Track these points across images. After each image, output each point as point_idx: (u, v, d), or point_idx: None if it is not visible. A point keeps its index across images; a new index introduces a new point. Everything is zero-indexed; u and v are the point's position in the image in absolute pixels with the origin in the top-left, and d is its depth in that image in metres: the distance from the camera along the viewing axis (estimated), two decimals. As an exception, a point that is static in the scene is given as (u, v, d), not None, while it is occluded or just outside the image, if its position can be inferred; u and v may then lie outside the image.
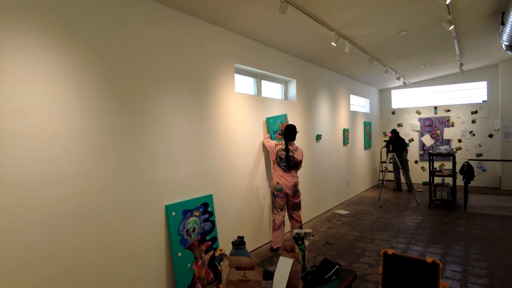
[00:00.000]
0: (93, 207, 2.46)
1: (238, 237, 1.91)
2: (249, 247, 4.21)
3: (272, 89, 5.22)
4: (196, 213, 3.30)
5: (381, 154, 9.49)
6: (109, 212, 2.57)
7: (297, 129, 4.20)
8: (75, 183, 2.35)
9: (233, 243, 1.85)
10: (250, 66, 4.29)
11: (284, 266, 1.77)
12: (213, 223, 3.47)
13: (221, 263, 1.80)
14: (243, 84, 4.57)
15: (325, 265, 2.08)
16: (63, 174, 2.28)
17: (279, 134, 4.69)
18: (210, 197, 3.51)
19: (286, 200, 4.23)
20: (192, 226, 3.22)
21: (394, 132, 8.16)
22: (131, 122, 2.75)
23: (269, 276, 1.86)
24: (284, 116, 4.87)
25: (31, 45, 2.13)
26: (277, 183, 4.11)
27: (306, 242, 2.24)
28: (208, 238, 3.38)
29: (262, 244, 4.47)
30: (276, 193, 4.15)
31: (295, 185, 4.16)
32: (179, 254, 3.03)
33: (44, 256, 2.16)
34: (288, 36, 4.32)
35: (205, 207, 3.43)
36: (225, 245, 3.68)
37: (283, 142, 4.15)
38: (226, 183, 3.82)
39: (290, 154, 4.10)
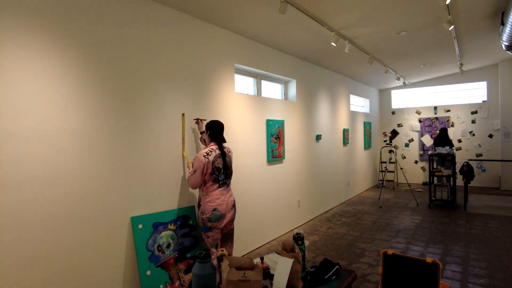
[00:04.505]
0: (92, 207, 2.46)
1: (204, 249, 1.79)
2: (248, 247, 4.21)
3: (272, 89, 5.22)
4: (172, 227, 2.92)
5: (381, 154, 9.49)
6: (108, 212, 2.57)
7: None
8: (75, 184, 2.35)
9: (197, 256, 1.71)
10: (250, 66, 4.29)
11: (284, 266, 1.77)
12: (195, 238, 3.07)
13: (221, 263, 1.80)
14: (243, 84, 4.57)
15: (325, 265, 2.09)
16: (63, 175, 2.27)
17: (274, 138, 4.68)
18: (191, 209, 3.17)
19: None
20: (166, 241, 2.82)
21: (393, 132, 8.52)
22: (131, 123, 2.75)
23: (269, 276, 1.86)
24: (282, 122, 4.87)
25: (31, 45, 2.12)
26: (214, 209, 2.81)
27: (306, 242, 2.24)
28: (189, 255, 2.95)
29: (262, 244, 4.47)
30: (211, 225, 2.81)
31: (235, 203, 3.03)
32: (148, 272, 2.62)
33: (43, 255, 2.17)
34: (288, 36, 4.32)
35: (184, 220, 3.05)
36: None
37: (214, 147, 2.94)
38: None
39: (227, 159, 3.00)
